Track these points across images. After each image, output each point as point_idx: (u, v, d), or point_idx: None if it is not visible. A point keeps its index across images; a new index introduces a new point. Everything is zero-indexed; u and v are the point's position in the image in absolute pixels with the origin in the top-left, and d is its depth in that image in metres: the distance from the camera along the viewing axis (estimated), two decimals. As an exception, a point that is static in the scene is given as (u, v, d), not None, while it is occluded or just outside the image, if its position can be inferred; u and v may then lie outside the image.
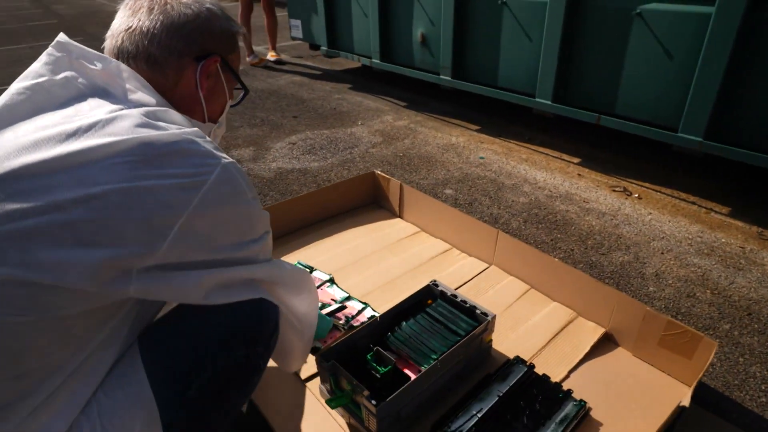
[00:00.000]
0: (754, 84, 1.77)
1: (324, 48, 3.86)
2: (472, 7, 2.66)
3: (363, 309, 1.42)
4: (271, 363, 1.05)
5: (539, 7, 2.30)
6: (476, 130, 2.91)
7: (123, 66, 0.69)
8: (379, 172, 1.96)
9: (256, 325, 0.69)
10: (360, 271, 1.61)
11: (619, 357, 1.28)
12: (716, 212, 1.98)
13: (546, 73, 2.36)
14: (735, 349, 1.33)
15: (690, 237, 1.82)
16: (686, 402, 1.00)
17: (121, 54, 0.71)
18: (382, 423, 1.01)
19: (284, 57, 4.73)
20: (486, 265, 1.63)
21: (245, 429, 1.11)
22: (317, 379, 1.19)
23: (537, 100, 2.46)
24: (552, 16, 2.24)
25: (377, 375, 1.11)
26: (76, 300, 0.56)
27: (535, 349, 1.29)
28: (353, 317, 1.38)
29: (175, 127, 0.63)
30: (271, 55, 4.60)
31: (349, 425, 1.10)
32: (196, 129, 0.65)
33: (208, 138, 0.65)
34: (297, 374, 1.22)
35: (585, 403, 1.11)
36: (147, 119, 0.61)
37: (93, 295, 0.57)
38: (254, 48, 4.67)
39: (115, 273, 0.56)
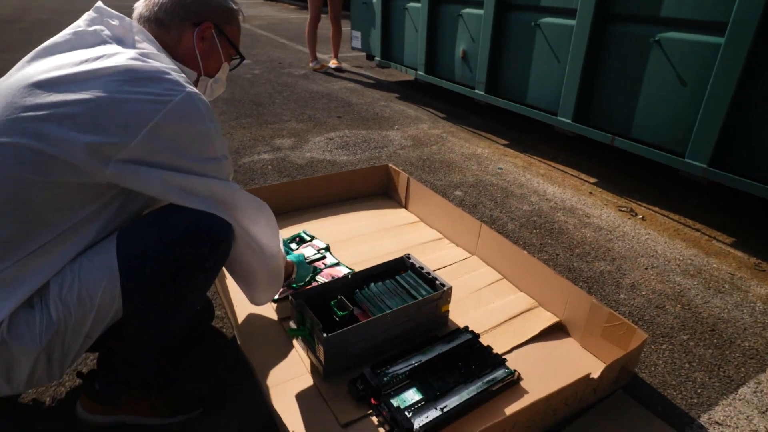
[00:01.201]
0: (760, 115, 1.80)
1: (377, 58, 4.14)
2: (508, 27, 2.82)
3: (337, 264, 1.65)
4: (249, 308, 1.25)
5: (567, 29, 2.43)
6: (504, 145, 3.04)
7: (135, 24, 0.96)
8: (392, 166, 2.16)
9: (205, 231, 0.90)
10: (355, 245, 1.81)
11: (566, 345, 1.38)
12: (719, 241, 2.00)
13: (568, 93, 2.47)
14: (684, 356, 1.39)
15: (681, 258, 1.86)
16: (595, 375, 1.10)
17: (140, 17, 0.98)
18: (328, 353, 1.19)
19: (344, 65, 5.07)
20: (468, 255, 1.77)
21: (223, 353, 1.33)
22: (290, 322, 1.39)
23: (559, 118, 2.57)
24: (577, 38, 2.36)
25: (336, 318, 1.30)
26: (70, 171, 0.80)
27: (489, 326, 1.42)
28: (327, 266, 1.60)
29: (160, 64, 0.87)
30: (332, 63, 4.95)
31: (310, 362, 1.29)
32: (175, 67, 0.89)
33: (186, 78, 0.89)
34: (276, 314, 1.43)
35: (515, 372, 1.24)
36: (139, 56, 0.86)
37: (81, 171, 0.80)
38: (318, 56, 5.04)
39: (96, 155, 0.80)
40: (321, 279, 1.57)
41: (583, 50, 2.33)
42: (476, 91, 3.13)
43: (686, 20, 1.97)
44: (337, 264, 1.67)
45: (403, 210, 2.10)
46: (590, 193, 2.40)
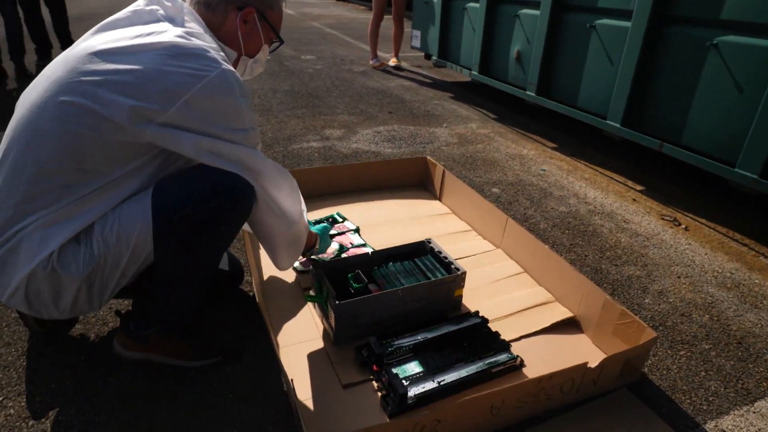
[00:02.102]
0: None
1: (434, 57, 4.19)
2: (564, 28, 2.78)
3: (363, 245, 1.73)
4: (275, 273, 1.35)
5: (622, 31, 2.37)
6: (551, 148, 3.00)
7: (185, 5, 1.08)
8: (429, 158, 2.21)
9: (228, 189, 1.01)
10: (384, 230, 1.88)
11: (577, 340, 1.39)
12: (767, 257, 1.89)
13: (619, 96, 2.41)
14: (702, 365, 1.35)
15: (719, 271, 1.78)
16: (592, 364, 1.11)
17: None
18: (339, 320, 1.28)
19: (404, 64, 5.16)
20: (493, 247, 1.79)
21: (251, 319, 1.45)
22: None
23: (608, 122, 2.51)
24: (632, 40, 2.30)
25: (351, 290, 1.38)
26: (118, 130, 0.93)
27: (501, 314, 1.45)
28: (353, 246, 1.69)
29: (202, 42, 0.98)
30: (392, 61, 5.05)
31: (324, 330, 1.37)
32: (215, 46, 1.01)
33: (225, 56, 1.01)
34: (299, 283, 1.54)
35: (518, 357, 1.26)
36: (185, 34, 0.97)
37: (126, 130, 0.93)
38: (379, 54, 5.16)
39: (139, 118, 0.92)
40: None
41: (637, 53, 2.27)
42: (527, 92, 3.11)
43: (746, 23, 1.88)
44: (363, 245, 1.75)
45: (437, 201, 2.15)
46: (634, 200, 2.34)
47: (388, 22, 5.07)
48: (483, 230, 1.89)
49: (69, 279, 0.99)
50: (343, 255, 1.66)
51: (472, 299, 1.50)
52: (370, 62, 5.03)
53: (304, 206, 1.28)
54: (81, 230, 0.99)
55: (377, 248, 1.74)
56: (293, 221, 1.21)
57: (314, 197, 2.07)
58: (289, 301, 1.48)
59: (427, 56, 4.51)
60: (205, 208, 1.00)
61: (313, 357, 1.28)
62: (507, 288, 1.58)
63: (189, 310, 1.19)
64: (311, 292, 1.42)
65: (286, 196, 1.16)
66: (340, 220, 1.91)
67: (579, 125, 2.99)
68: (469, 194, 1.98)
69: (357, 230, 1.85)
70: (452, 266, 1.44)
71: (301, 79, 4.38)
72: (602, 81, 2.57)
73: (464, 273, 1.42)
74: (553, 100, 2.92)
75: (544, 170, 2.64)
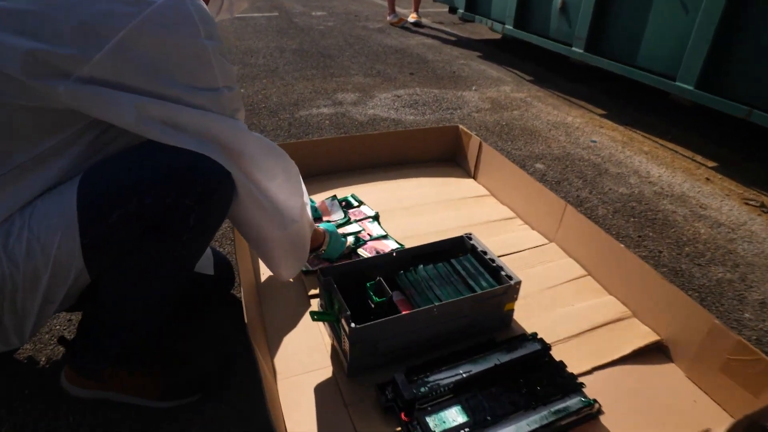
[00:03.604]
0: None
1: (461, 11, 3.73)
2: (623, -29, 2.33)
3: (384, 237, 1.39)
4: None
5: (704, -29, 1.93)
6: (600, 115, 2.59)
7: None
8: (462, 128, 1.84)
9: (188, 176, 0.68)
10: (409, 217, 1.54)
11: (666, 373, 1.05)
12: None
13: (695, 53, 1.98)
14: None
15: (832, 273, 1.42)
16: (716, 429, 0.78)
17: None
18: (354, 347, 0.96)
19: (424, 21, 4.69)
20: (545, 241, 1.45)
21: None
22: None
23: (677, 84, 2.09)
24: (717, -18, 1.86)
25: (371, 305, 1.06)
26: (13, 89, 0.60)
27: (565, 335, 1.12)
28: (372, 238, 1.35)
29: None
30: (411, 17, 4.58)
31: (333, 348, 1.06)
32: None
33: None
34: (304, 285, 1.22)
35: (595, 402, 0.93)
36: None
37: (28, 89, 0.60)
38: (397, 9, 4.68)
39: (45, 70, 0.59)
40: (364, 253, 1.33)
41: (723, -3, 1.84)
42: (574, 48, 2.67)
43: None
44: (385, 237, 1.42)
45: (471, 180, 1.79)
46: (707, 179, 1.95)
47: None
48: (530, 218, 1.54)
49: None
50: (360, 250, 1.33)
51: (524, 313, 1.17)
52: (387, 18, 4.57)
53: (306, 197, 0.95)
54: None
55: (400, 239, 1.41)
56: (292, 220, 0.87)
57: (324, 174, 1.72)
58: (289, 311, 1.16)
59: (452, 10, 4.03)
60: (154, 204, 0.67)
61: (321, 395, 0.97)
62: (567, 297, 1.24)
63: (148, 337, 0.88)
64: (318, 306, 1.10)
65: (280, 186, 0.82)
66: (356, 204, 1.57)
67: (634, 88, 2.57)
68: (511, 172, 1.62)
69: (376, 217, 1.51)
70: (503, 273, 1.10)
71: (311, 37, 3.96)
72: (672, 34, 2.13)
73: (519, 283, 1.08)
74: (606, 58, 2.49)
75: (595, 141, 2.24)
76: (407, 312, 0.99)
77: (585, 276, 1.31)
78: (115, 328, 0.82)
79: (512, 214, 1.59)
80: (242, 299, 0.99)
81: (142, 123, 0.65)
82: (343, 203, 1.56)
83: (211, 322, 1.14)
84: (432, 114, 2.48)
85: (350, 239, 1.33)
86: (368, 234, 1.42)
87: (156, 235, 0.70)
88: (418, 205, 1.61)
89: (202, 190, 0.69)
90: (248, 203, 0.79)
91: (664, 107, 2.58)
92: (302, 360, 1.03)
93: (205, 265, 1.11)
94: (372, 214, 1.52)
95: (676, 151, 2.18)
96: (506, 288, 1.07)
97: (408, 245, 1.38)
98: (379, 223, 1.48)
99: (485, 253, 1.17)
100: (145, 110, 0.64)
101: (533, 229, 1.51)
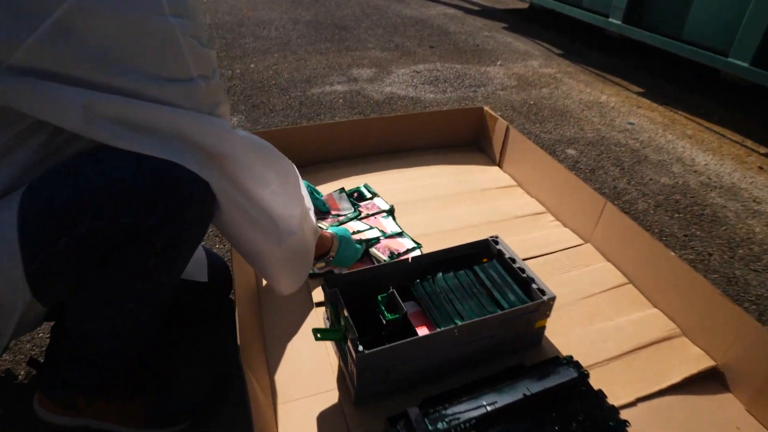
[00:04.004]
0: None
1: (486, -22, 3.47)
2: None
3: (400, 235, 1.25)
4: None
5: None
6: (637, 93, 2.37)
7: None
8: (488, 109, 1.67)
9: (151, 190, 0.55)
10: (427, 211, 1.40)
11: (723, 405, 0.91)
12: None
13: (752, 26, 1.76)
14: None
15: None
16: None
17: None
18: (362, 375, 0.84)
19: (447, -12, 4.42)
20: (580, 242, 1.29)
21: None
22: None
23: (729, 60, 1.87)
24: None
25: (383, 321, 0.93)
26: None
27: (603, 357, 0.98)
28: (400, 254, 1.20)
29: None
30: (433, -15, 4.32)
31: (340, 369, 0.94)
32: None
33: None
34: (308, 291, 1.09)
35: (642, 445, 0.80)
36: None
37: None
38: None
39: None
40: (376, 252, 1.19)
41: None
42: (611, 20, 2.44)
43: None
44: (400, 234, 1.28)
45: (496, 168, 1.63)
46: (760, 167, 1.75)
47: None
48: (562, 214, 1.38)
49: None
50: (373, 249, 1.20)
51: (556, 328, 1.03)
52: (408, -14, 4.31)
53: (308, 202, 0.81)
54: None
55: (418, 237, 1.27)
56: (290, 232, 0.74)
57: (334, 161, 1.58)
58: (292, 319, 1.04)
59: (477, -23, 3.77)
60: (109, 229, 0.54)
61: (323, 425, 0.85)
62: (605, 309, 1.10)
63: (125, 365, 0.77)
64: (324, 318, 0.98)
65: (274, 194, 0.69)
66: (369, 195, 1.43)
67: (677, 64, 2.34)
68: (541, 160, 1.46)
69: (391, 212, 1.37)
70: (534, 286, 0.96)
71: (326, 7, 3.75)
72: (725, 4, 1.89)
73: (553, 298, 0.94)
74: (647, 31, 2.25)
75: (633, 124, 2.05)
76: (424, 335, 0.86)
77: (626, 284, 1.16)
78: (82, 361, 0.71)
79: (542, 209, 1.43)
80: (236, 315, 0.87)
81: (91, 123, 0.51)
82: (355, 194, 1.43)
83: (204, 336, 1.03)
84: (453, 92, 2.30)
85: (367, 233, 1.20)
86: (381, 230, 1.29)
87: (116, 262, 0.57)
88: (437, 198, 1.46)
89: (168, 206, 0.56)
90: (235, 216, 0.66)
91: (708, 86, 2.35)
92: (305, 381, 0.92)
93: (198, 271, 0.99)
94: (386, 207, 1.38)
95: (724, 135, 1.97)
96: (538, 305, 0.93)
97: (425, 244, 1.25)
98: (393, 219, 1.34)
99: (513, 261, 1.03)
100: (94, 108, 0.51)
101: (565, 226, 1.35)
